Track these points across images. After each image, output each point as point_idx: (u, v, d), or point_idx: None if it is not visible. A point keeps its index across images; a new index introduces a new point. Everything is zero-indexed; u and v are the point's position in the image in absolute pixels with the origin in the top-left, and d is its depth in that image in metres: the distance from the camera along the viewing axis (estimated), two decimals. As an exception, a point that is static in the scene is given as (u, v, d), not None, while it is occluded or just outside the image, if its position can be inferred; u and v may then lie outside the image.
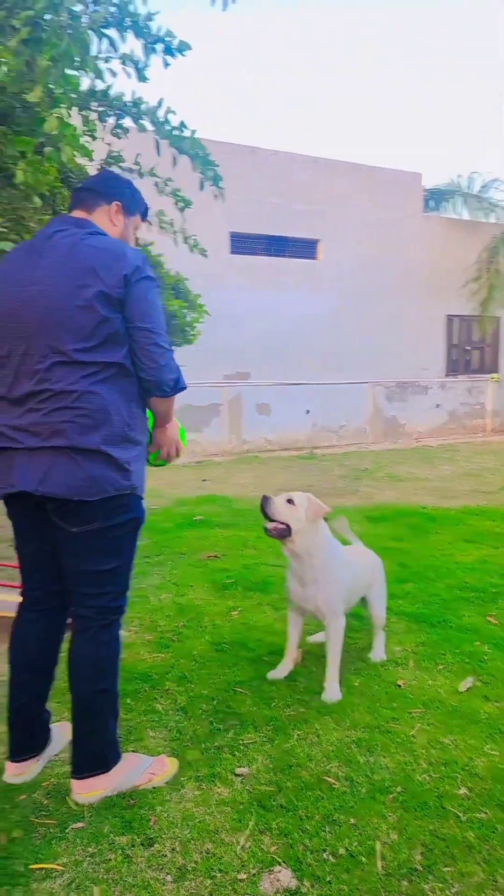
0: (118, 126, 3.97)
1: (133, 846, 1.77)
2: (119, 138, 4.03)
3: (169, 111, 3.93)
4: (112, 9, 3.07)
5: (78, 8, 3.00)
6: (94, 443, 1.85)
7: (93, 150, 4.22)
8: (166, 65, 3.18)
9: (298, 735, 2.32)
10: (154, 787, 2.02)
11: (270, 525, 2.61)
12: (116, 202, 2.10)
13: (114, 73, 3.54)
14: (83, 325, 1.85)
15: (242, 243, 12.15)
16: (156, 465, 2.35)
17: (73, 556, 1.98)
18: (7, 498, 1.97)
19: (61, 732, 2.25)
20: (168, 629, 3.32)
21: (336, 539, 2.84)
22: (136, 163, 4.23)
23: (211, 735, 2.33)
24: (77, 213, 2.09)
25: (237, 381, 12.06)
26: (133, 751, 2.21)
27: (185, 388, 2.04)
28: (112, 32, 3.15)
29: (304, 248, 12.85)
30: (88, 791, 1.97)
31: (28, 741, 2.11)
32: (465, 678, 2.74)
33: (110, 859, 1.72)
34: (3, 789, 2.03)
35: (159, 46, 3.07)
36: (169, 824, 1.86)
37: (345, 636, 2.75)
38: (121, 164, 4.25)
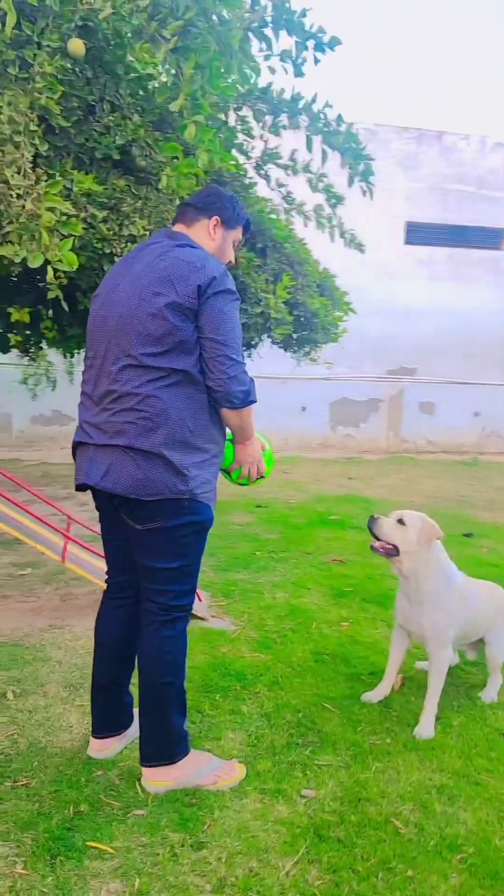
0: (275, 123, 3.98)
1: (183, 846, 1.81)
2: (276, 135, 4.04)
3: (326, 105, 3.88)
4: (269, 6, 3.08)
5: (231, 13, 3.05)
6: (152, 445, 1.92)
7: (251, 148, 4.30)
8: (316, 61, 3.12)
9: (377, 767, 2.22)
10: (218, 791, 2.05)
11: (377, 543, 2.52)
12: (216, 217, 2.17)
13: (273, 71, 3.56)
14: (153, 331, 1.93)
15: (420, 233, 11.67)
16: (239, 484, 2.36)
17: (140, 552, 2.07)
18: (92, 491, 2.09)
19: None
20: (274, 630, 3.34)
21: (452, 564, 2.65)
22: (292, 159, 4.22)
23: (287, 748, 2.31)
24: (178, 227, 2.18)
25: (401, 376, 11.69)
26: (208, 749, 2.26)
27: (254, 401, 2.04)
28: (268, 32, 3.17)
29: (489, 238, 12.04)
30: (155, 780, 2.05)
31: (109, 720, 2.24)
32: None
33: (159, 854, 1.78)
34: (85, 762, 2.18)
35: (310, 43, 3.01)
36: (222, 832, 1.88)
37: (449, 669, 2.59)
38: (277, 161, 4.27)
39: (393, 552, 2.49)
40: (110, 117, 3.07)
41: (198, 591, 3.60)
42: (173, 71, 2.76)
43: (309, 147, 3.73)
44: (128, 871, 1.71)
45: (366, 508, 6.33)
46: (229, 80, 3.64)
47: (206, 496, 2.04)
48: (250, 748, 2.31)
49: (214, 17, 2.72)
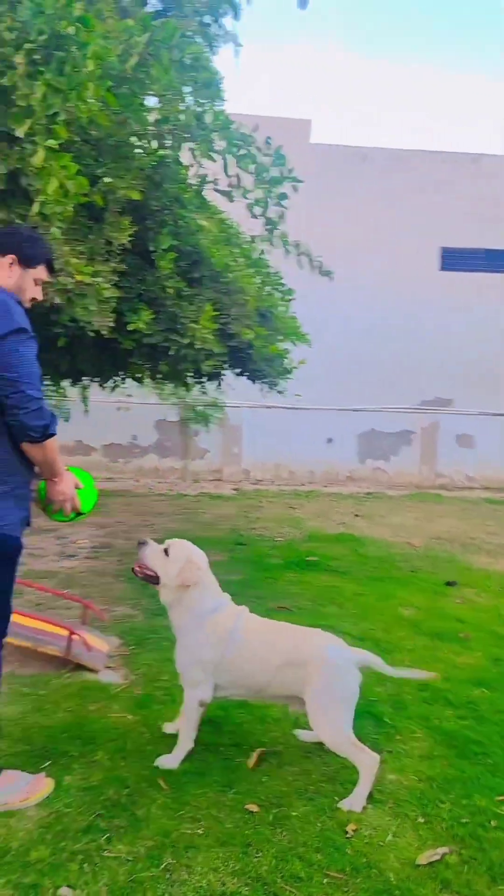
0: (209, 149, 3.83)
1: None
2: (210, 160, 3.88)
3: (254, 129, 3.71)
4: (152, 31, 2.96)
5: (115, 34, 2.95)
6: None
7: (192, 176, 4.17)
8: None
9: (168, 864, 1.93)
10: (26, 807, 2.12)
11: (138, 566, 2.49)
12: (12, 255, 2.17)
13: (177, 97, 3.44)
14: None
15: (456, 258, 11.18)
16: (56, 520, 2.32)
17: None
18: None
19: None
20: (164, 686, 3.06)
21: (212, 600, 2.49)
22: (231, 185, 4.04)
23: (83, 833, 2.05)
24: None
25: (436, 407, 11.13)
26: (-8, 828, 2.04)
27: (54, 434, 2.07)
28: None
29: (531, 263, 11.37)
30: None
31: None
32: (442, 845, 2.05)
33: None
34: None
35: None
36: None
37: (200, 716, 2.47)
38: (216, 187, 4.11)
39: (153, 580, 2.44)
40: (-6, 148, 3.01)
41: (95, 639, 3.40)
42: (37, 95, 2.66)
43: (226, 170, 3.57)
44: None
45: (354, 549, 5.95)
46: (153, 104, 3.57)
47: (8, 528, 2.09)
48: (40, 830, 2.06)
49: (73, 47, 2.61)
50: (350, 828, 2.11)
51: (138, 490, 9.07)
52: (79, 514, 2.28)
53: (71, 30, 2.54)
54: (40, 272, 2.24)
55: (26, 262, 2.18)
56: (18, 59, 2.57)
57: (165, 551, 2.44)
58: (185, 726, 2.43)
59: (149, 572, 2.45)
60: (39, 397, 2.02)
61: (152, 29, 2.94)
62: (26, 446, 2.06)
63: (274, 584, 4.77)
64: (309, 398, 10.15)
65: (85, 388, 6.43)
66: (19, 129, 2.55)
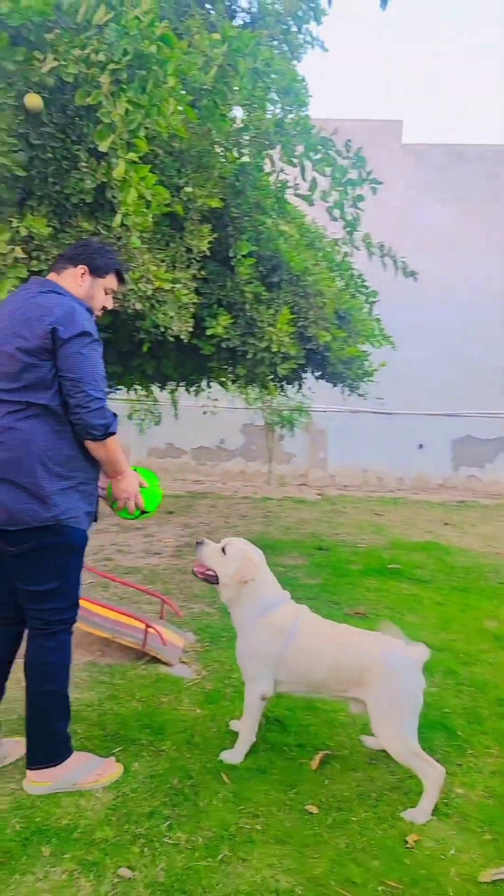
0: (290, 155, 3.87)
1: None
2: (292, 166, 3.92)
3: (333, 133, 3.71)
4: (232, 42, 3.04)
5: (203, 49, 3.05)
6: (12, 474, 2.08)
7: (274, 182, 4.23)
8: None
9: (224, 857, 1.96)
10: (95, 788, 2.23)
11: (197, 567, 2.54)
12: (83, 266, 2.32)
13: (260, 106, 3.50)
14: (10, 368, 2.12)
15: None
16: (125, 518, 2.42)
17: (16, 577, 2.20)
18: None
19: (14, 745, 2.41)
20: (233, 683, 3.11)
21: (271, 596, 2.50)
22: (311, 189, 4.06)
23: (146, 818, 2.12)
24: (50, 276, 2.35)
25: (536, 413, 10.59)
26: (62, 804, 2.15)
27: (114, 433, 2.16)
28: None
29: None
30: (37, 781, 2.21)
31: None
32: (509, 865, 1.97)
33: None
34: None
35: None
36: (2, 900, 1.76)
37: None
38: (297, 192, 4.14)
39: (213, 580, 2.49)
40: (83, 164, 3.17)
41: (171, 634, 3.50)
42: (119, 112, 2.80)
43: (303, 175, 3.59)
44: None
45: (438, 558, 5.77)
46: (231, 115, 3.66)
47: (73, 520, 2.18)
48: (107, 811, 2.15)
49: (155, 64, 2.72)
50: (411, 838, 2.07)
51: (224, 492, 9.23)
52: (143, 512, 2.37)
53: (153, 49, 2.65)
54: (110, 281, 2.37)
55: (96, 271, 2.32)
56: (104, 78, 2.71)
57: (223, 550, 2.49)
58: (246, 720, 2.47)
59: (209, 572, 2.50)
60: (101, 397, 2.12)
61: (230, 40, 3.02)
62: (89, 444, 2.17)
63: (352, 590, 4.71)
64: (401, 403, 9.99)
65: (173, 391, 6.64)
66: (102, 144, 2.69)
